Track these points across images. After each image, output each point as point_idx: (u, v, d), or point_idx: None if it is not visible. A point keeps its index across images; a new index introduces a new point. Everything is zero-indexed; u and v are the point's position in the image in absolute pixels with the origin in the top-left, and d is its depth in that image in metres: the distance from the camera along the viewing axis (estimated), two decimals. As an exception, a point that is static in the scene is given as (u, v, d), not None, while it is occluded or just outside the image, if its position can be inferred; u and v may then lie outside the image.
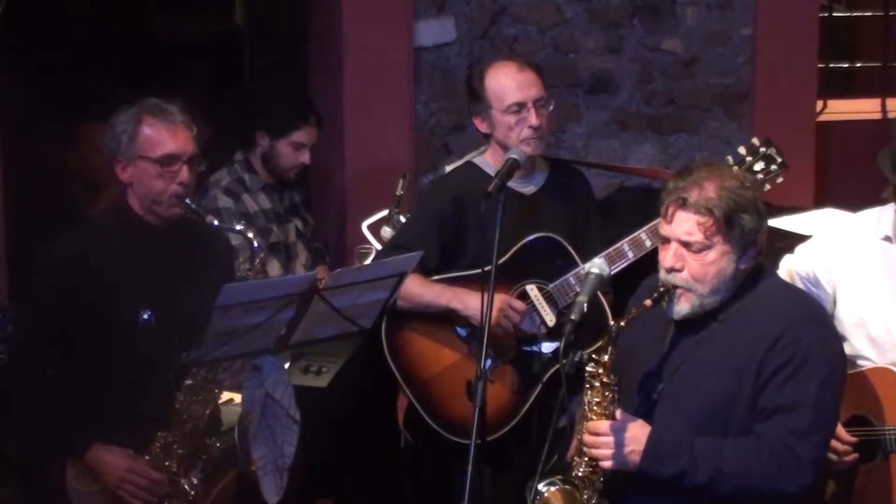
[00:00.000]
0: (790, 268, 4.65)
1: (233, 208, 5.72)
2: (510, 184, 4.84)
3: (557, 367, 4.89)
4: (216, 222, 4.75)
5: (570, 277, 4.99)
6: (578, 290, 4.93)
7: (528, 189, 5.09)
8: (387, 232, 5.57)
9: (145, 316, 4.46)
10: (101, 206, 5.49)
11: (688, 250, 3.91)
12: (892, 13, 7.92)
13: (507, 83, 4.98)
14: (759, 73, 7.24)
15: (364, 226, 5.84)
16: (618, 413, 3.91)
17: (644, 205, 5.03)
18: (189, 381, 4.45)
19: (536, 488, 3.95)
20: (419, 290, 4.93)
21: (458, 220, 5.00)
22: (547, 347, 4.97)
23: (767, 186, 4.83)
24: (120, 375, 4.46)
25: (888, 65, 7.96)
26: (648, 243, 4.94)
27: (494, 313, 4.69)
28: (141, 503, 4.47)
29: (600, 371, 3.87)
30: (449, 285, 4.96)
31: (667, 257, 3.93)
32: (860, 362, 4.47)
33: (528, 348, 4.99)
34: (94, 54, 8.26)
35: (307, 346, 4.88)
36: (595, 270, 4.08)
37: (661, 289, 3.93)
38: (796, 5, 7.27)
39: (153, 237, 4.53)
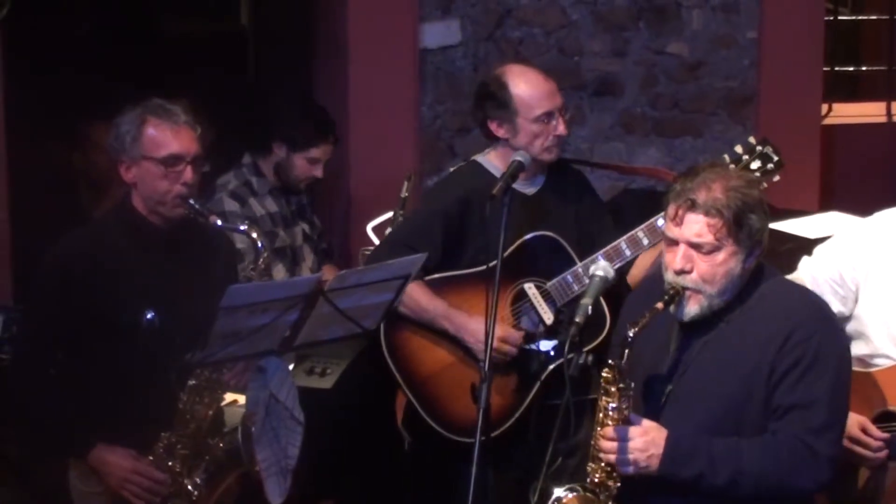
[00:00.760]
0: (811, 267, 4.62)
1: (238, 212, 5.71)
2: (513, 185, 4.88)
3: (555, 365, 4.94)
4: (220, 222, 4.76)
5: (568, 276, 5.00)
6: (576, 288, 4.96)
7: (531, 190, 5.11)
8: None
9: (149, 316, 4.46)
10: (106, 206, 5.49)
11: (697, 251, 3.90)
12: (897, 17, 7.93)
13: (535, 92, 5.00)
14: (764, 77, 7.24)
15: (369, 228, 5.85)
16: (634, 417, 3.90)
17: (649, 207, 5.02)
18: (192, 382, 4.45)
19: (556, 496, 3.94)
20: (423, 304, 4.98)
21: (462, 219, 5.02)
22: (545, 346, 4.98)
23: (765, 185, 4.83)
24: (123, 376, 4.46)
25: (893, 68, 7.96)
26: (646, 241, 4.95)
27: (495, 344, 4.75)
28: (144, 503, 4.47)
29: (616, 377, 3.86)
30: (452, 288, 4.97)
31: (675, 259, 3.91)
32: (879, 361, 4.46)
33: (526, 347, 5.00)
34: (99, 54, 8.27)
35: (311, 347, 4.88)
36: (600, 273, 4.07)
37: (671, 291, 3.90)
38: (802, 9, 7.27)
39: (156, 238, 4.53)
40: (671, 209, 3.93)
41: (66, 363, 4.51)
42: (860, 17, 8.36)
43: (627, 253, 4.96)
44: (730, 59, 7.23)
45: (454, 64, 6.94)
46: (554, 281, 5.01)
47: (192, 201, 4.52)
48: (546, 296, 5.01)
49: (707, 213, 3.87)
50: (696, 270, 3.90)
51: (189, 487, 4.51)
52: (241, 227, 4.76)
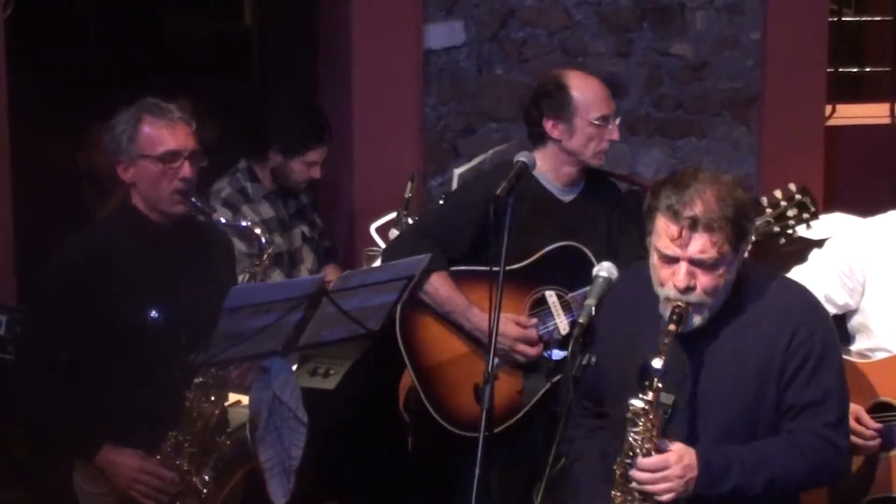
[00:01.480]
0: (821, 259, 4.63)
1: (230, 222, 5.70)
2: (551, 189, 5.03)
3: (559, 377, 4.94)
4: (223, 220, 4.78)
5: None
6: None
7: (568, 197, 5.13)
8: (395, 234, 5.57)
9: (153, 315, 4.46)
10: (110, 206, 5.50)
11: (698, 267, 3.86)
12: (901, 18, 7.93)
13: (595, 95, 5.06)
14: (768, 78, 7.24)
15: (372, 228, 5.85)
16: (662, 443, 3.87)
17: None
18: (199, 380, 4.45)
19: None
20: (443, 296, 5.00)
21: (495, 215, 5.00)
22: (557, 355, 4.98)
23: (790, 232, 4.80)
24: (128, 375, 4.46)
25: (897, 69, 7.96)
26: None
27: (508, 343, 4.80)
28: (153, 503, 4.47)
29: (646, 408, 3.83)
30: (475, 282, 4.96)
31: (679, 277, 3.84)
32: (880, 355, 4.48)
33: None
34: (102, 55, 8.28)
35: (315, 348, 4.88)
36: (603, 274, 4.06)
37: (677, 310, 3.84)
38: (805, 9, 7.27)
39: (158, 236, 4.53)
40: (672, 228, 3.83)
41: (71, 364, 4.51)
42: (864, 18, 8.36)
43: None
44: (733, 60, 7.23)
45: (458, 65, 6.94)
46: (575, 293, 5.01)
47: (193, 199, 4.54)
48: (565, 306, 5.02)
49: (709, 230, 3.81)
50: (699, 285, 3.85)
51: (198, 485, 4.51)
52: (244, 224, 4.77)
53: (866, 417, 4.39)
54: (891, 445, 4.43)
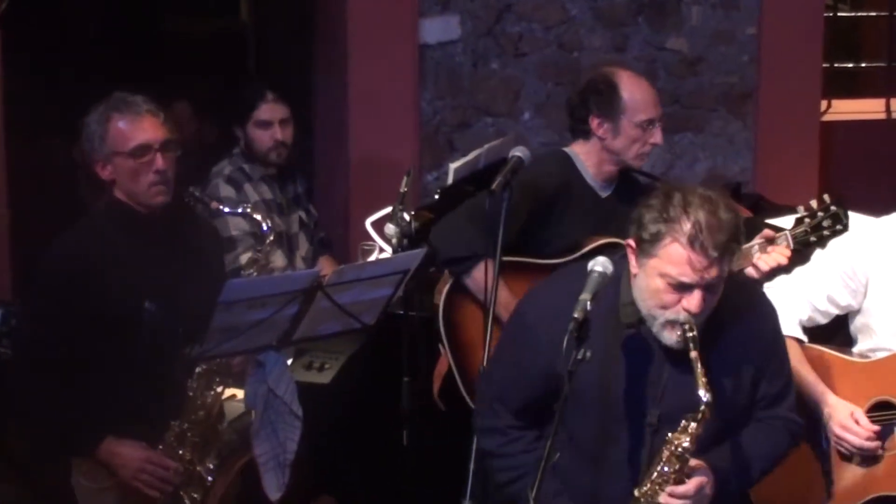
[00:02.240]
0: (823, 260, 4.63)
1: (234, 197, 5.72)
2: (591, 183, 5.04)
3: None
4: (223, 207, 4.80)
5: None
6: None
7: (605, 192, 5.14)
8: (390, 229, 5.56)
9: (149, 306, 4.46)
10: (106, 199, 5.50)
11: (706, 290, 3.83)
12: (896, 13, 7.93)
13: (643, 97, 5.04)
14: (763, 73, 7.25)
15: (368, 223, 5.84)
16: (697, 471, 3.91)
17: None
18: (201, 368, 4.47)
19: None
20: (481, 285, 4.83)
21: (550, 206, 5.01)
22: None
23: (827, 245, 4.80)
24: (127, 368, 4.46)
25: (893, 65, 7.96)
26: None
27: None
28: (158, 493, 4.48)
29: (689, 443, 3.84)
30: (521, 274, 4.93)
31: (695, 303, 3.80)
32: (880, 355, 4.49)
33: None
34: (99, 51, 8.27)
35: (310, 342, 4.89)
36: (598, 268, 4.05)
37: (689, 334, 3.80)
38: (801, 5, 7.28)
39: (147, 227, 4.53)
40: (697, 259, 3.78)
41: (70, 360, 4.50)
42: (859, 14, 8.36)
43: None
44: (729, 55, 7.24)
45: (454, 59, 6.94)
46: None
47: (191, 189, 4.57)
48: None
49: (722, 256, 3.79)
50: (706, 306, 3.85)
51: (203, 473, 4.52)
52: (245, 210, 4.80)
53: (865, 420, 4.40)
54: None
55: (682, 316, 3.82)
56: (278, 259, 5.71)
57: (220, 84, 7.86)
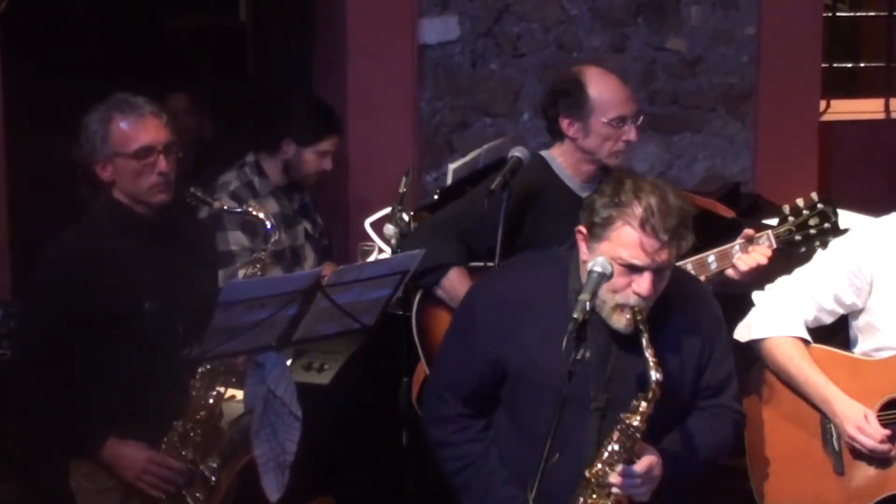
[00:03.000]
0: (827, 258, 4.63)
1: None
2: (569, 184, 4.98)
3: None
4: (226, 207, 4.82)
5: None
6: None
7: (585, 192, 5.10)
8: (389, 230, 5.56)
9: (149, 306, 4.46)
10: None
11: (656, 273, 3.91)
12: (895, 13, 7.93)
13: (613, 95, 4.96)
14: (762, 73, 7.25)
15: (367, 223, 5.85)
16: (640, 450, 3.94)
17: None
18: (204, 368, 4.47)
19: None
20: (459, 292, 4.83)
21: (522, 210, 4.99)
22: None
23: (817, 243, 4.79)
24: (128, 368, 4.45)
25: (892, 65, 7.97)
26: (714, 267, 4.87)
27: None
28: (161, 494, 4.48)
29: (639, 421, 3.87)
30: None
31: (645, 286, 3.89)
32: (885, 355, 4.49)
33: None
34: (98, 50, 8.28)
35: (310, 342, 4.89)
36: (597, 269, 4.06)
37: (639, 317, 3.88)
38: (800, 5, 7.29)
39: (146, 228, 4.53)
40: (649, 242, 3.87)
41: (70, 361, 4.50)
42: (859, 14, 8.38)
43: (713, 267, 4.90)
44: (728, 56, 7.25)
45: (453, 59, 6.95)
46: None
47: (193, 189, 4.56)
48: None
49: (672, 240, 3.88)
50: (655, 290, 3.93)
51: (206, 473, 4.52)
52: (242, 210, 4.88)
53: (876, 422, 4.39)
54: None
55: (633, 299, 3.91)
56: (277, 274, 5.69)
57: (218, 82, 7.87)
